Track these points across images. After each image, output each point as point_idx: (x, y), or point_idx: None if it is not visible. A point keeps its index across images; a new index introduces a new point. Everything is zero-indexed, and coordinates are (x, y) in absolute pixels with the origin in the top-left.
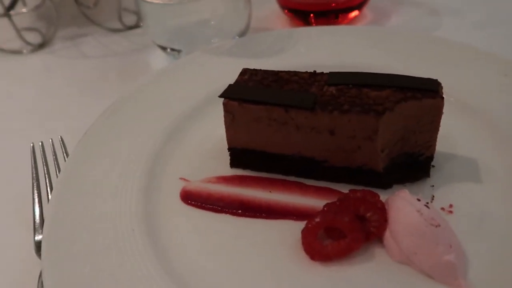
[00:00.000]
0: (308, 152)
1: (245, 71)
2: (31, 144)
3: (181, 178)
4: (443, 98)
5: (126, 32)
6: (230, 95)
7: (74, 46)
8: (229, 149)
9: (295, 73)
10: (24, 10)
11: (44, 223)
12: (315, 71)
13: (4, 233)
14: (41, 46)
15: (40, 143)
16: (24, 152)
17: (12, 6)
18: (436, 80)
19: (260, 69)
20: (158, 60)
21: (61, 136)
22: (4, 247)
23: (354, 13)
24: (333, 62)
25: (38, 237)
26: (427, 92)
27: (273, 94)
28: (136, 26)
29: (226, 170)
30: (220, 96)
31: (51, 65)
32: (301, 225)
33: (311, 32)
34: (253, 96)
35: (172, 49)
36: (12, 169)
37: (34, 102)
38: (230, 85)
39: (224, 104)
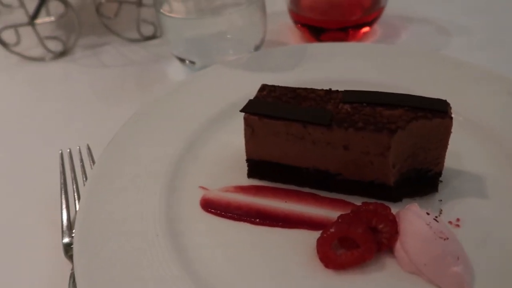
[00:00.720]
0: (323, 165)
1: (263, 87)
2: (60, 151)
3: (200, 187)
4: (451, 118)
5: (144, 42)
6: (251, 110)
7: (94, 55)
8: (247, 160)
9: (312, 90)
10: (48, 19)
11: (75, 229)
12: (330, 89)
13: (35, 235)
14: (62, 54)
15: (68, 150)
16: (47, 157)
17: (36, 15)
18: (445, 100)
19: (278, 86)
20: (175, 70)
21: (88, 144)
22: (35, 249)
23: (365, 29)
24: (345, 78)
25: (66, 240)
26: (437, 112)
27: (291, 110)
28: (154, 36)
29: (244, 180)
30: (241, 111)
31: (72, 73)
32: (315, 234)
33: (325, 48)
34: (273, 111)
35: (190, 61)
36: (34, 175)
37: (56, 108)
38: (250, 100)
39: (244, 118)
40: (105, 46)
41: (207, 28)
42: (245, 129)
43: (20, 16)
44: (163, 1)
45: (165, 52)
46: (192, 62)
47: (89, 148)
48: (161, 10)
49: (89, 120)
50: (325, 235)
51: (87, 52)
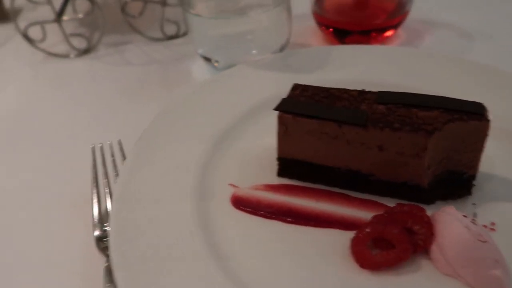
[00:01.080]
0: (356, 165)
1: (296, 86)
2: (92, 146)
3: (230, 184)
4: (488, 121)
5: (167, 41)
6: (285, 108)
7: (117, 53)
8: (278, 159)
9: (345, 91)
10: (75, 16)
11: (110, 225)
12: (364, 90)
13: (66, 229)
14: (86, 51)
15: (100, 145)
16: (73, 153)
17: (62, 12)
18: (482, 103)
19: (311, 85)
20: (198, 69)
21: (119, 140)
22: (67, 242)
23: (389, 33)
24: (372, 80)
25: (97, 233)
26: (473, 114)
27: (325, 109)
28: (176, 36)
29: (273, 178)
30: (275, 109)
31: (97, 70)
32: (347, 234)
33: (351, 50)
34: (307, 110)
35: (215, 61)
36: (61, 170)
37: (82, 105)
38: (284, 99)
39: (279, 117)
40: (128, 45)
41: (233, 28)
42: (279, 128)
43: (45, 12)
44: (191, 1)
45: (187, 51)
46: (216, 61)
47: (120, 144)
48: (188, 9)
49: (115, 116)
50: (360, 235)
51: (111, 50)
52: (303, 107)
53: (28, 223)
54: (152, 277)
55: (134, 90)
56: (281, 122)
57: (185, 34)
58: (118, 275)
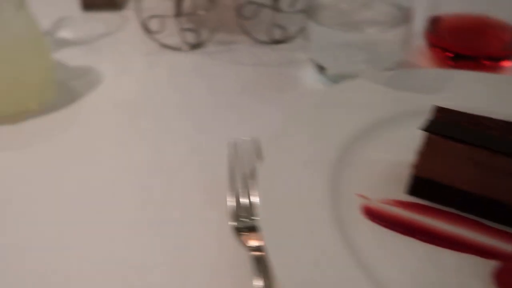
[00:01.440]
0: (500, 195)
1: (440, 109)
2: (229, 142)
3: (359, 195)
4: None
5: (273, 45)
6: (433, 129)
7: (226, 51)
8: (415, 177)
9: (489, 118)
10: (195, 12)
11: (260, 214)
12: (509, 120)
13: (200, 220)
14: (196, 46)
15: (235, 141)
16: (197, 146)
17: (182, 7)
18: None
19: (454, 110)
20: (306, 75)
21: (254, 137)
22: (204, 233)
23: (505, 63)
24: (498, 111)
25: (235, 224)
26: None
27: (475, 135)
28: (283, 41)
29: (399, 195)
30: (424, 130)
31: (208, 66)
32: (484, 262)
33: (475, 76)
34: (456, 134)
35: (325, 69)
36: (185, 162)
37: (199, 97)
38: (430, 120)
39: (426, 137)
40: (236, 44)
41: (350, 40)
42: (423, 147)
43: (152, 3)
44: (316, 10)
45: (295, 57)
46: (326, 70)
47: (255, 141)
48: (311, 17)
49: (232, 114)
50: (509, 265)
51: (220, 48)
52: (451, 130)
53: (161, 215)
54: (303, 268)
55: (246, 89)
56: (428, 142)
57: (291, 39)
58: (275, 262)
